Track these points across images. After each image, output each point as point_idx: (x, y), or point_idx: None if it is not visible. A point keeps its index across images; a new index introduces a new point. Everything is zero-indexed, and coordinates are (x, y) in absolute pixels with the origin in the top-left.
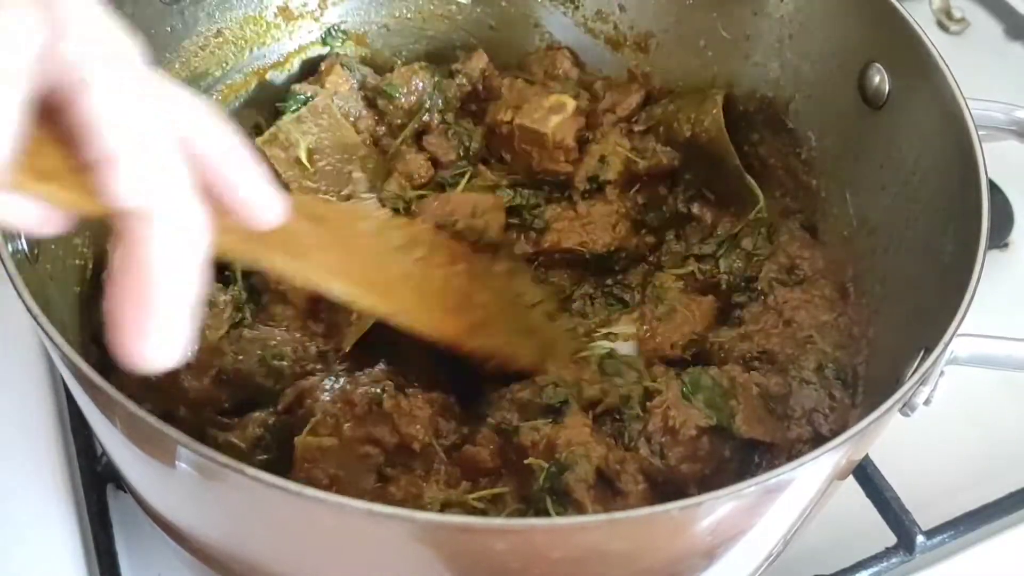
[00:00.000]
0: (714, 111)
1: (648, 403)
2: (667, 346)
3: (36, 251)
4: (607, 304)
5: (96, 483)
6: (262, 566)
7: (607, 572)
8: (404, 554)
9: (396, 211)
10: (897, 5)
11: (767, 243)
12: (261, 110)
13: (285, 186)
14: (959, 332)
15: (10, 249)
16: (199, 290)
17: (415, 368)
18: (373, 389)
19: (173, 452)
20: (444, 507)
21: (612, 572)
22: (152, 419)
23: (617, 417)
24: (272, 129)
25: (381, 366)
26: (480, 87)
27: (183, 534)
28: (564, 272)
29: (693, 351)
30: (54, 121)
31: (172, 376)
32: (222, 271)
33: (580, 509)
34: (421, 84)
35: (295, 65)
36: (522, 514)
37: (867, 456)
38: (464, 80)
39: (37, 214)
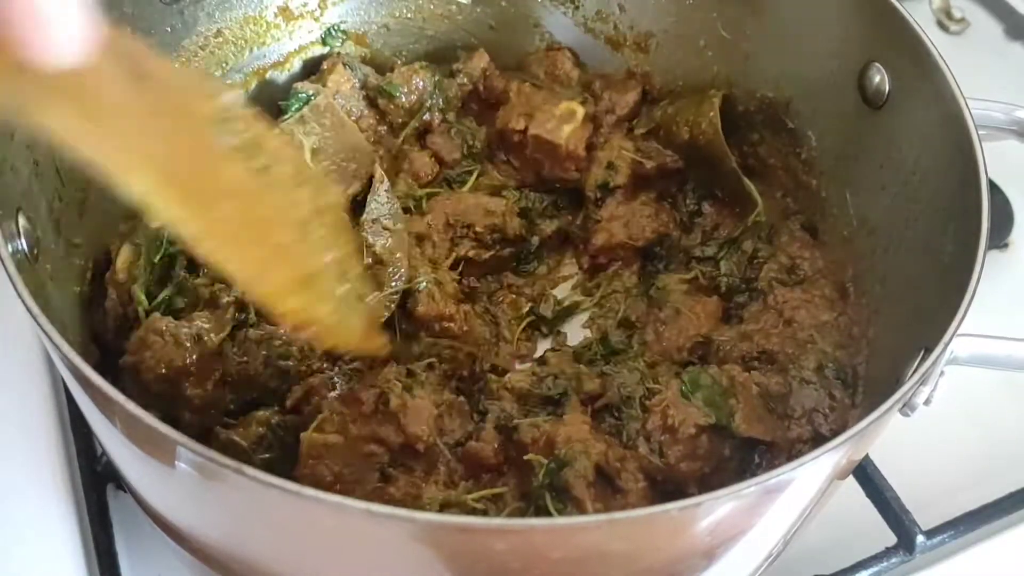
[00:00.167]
0: (711, 114)
1: (647, 401)
2: (673, 350)
3: (36, 251)
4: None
5: (96, 483)
6: (262, 566)
7: (607, 572)
8: (404, 554)
9: (407, 210)
10: (897, 5)
11: (767, 245)
12: (262, 110)
13: None
14: (959, 332)
15: (10, 249)
16: None
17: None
18: (381, 388)
19: (173, 452)
20: (443, 507)
21: (612, 572)
22: (152, 419)
23: (616, 415)
24: (275, 130)
25: (392, 366)
26: (481, 87)
27: (183, 534)
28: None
29: (699, 353)
30: None
31: (174, 386)
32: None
33: (579, 505)
34: (422, 83)
35: (295, 65)
36: (522, 512)
37: (867, 456)
38: (465, 80)
39: None
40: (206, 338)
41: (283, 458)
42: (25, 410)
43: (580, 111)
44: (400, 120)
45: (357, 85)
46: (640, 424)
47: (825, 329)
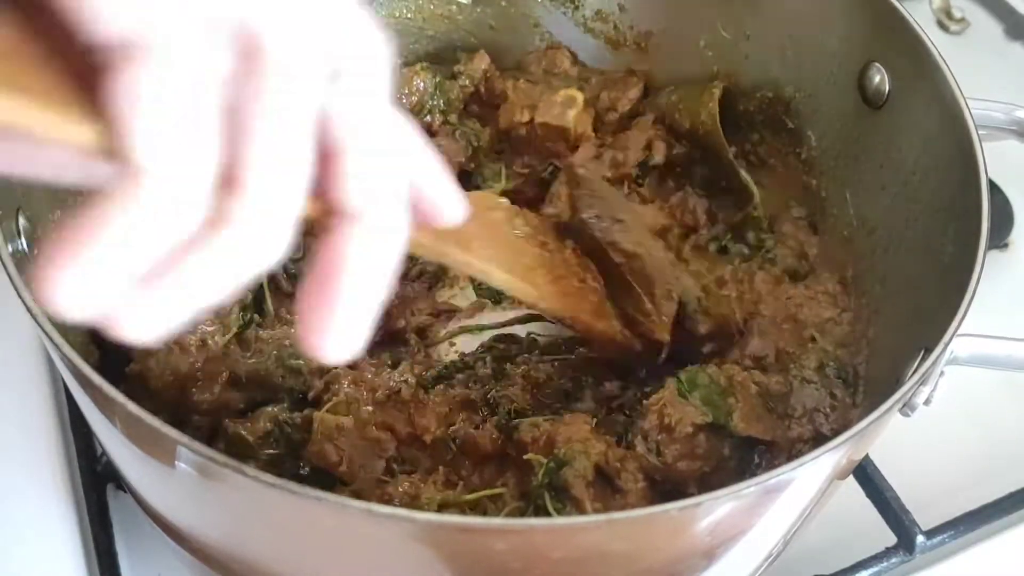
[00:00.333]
0: (710, 104)
1: (645, 400)
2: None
3: (36, 251)
4: None
5: (96, 483)
6: (262, 566)
7: (607, 572)
8: (404, 554)
9: None
10: (897, 5)
11: (770, 234)
12: None
13: None
14: (959, 332)
15: (10, 249)
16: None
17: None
18: (397, 379)
19: (173, 452)
20: (441, 507)
21: (612, 572)
22: (152, 419)
23: (628, 414)
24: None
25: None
26: (482, 88)
27: (183, 534)
28: None
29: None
30: None
31: (180, 393)
32: None
33: (578, 505)
34: (422, 85)
35: None
36: (521, 512)
37: (867, 456)
38: (467, 81)
39: None
40: (211, 342)
41: (288, 455)
42: (25, 410)
43: (579, 96)
44: None
45: None
46: (637, 423)
47: (827, 327)
